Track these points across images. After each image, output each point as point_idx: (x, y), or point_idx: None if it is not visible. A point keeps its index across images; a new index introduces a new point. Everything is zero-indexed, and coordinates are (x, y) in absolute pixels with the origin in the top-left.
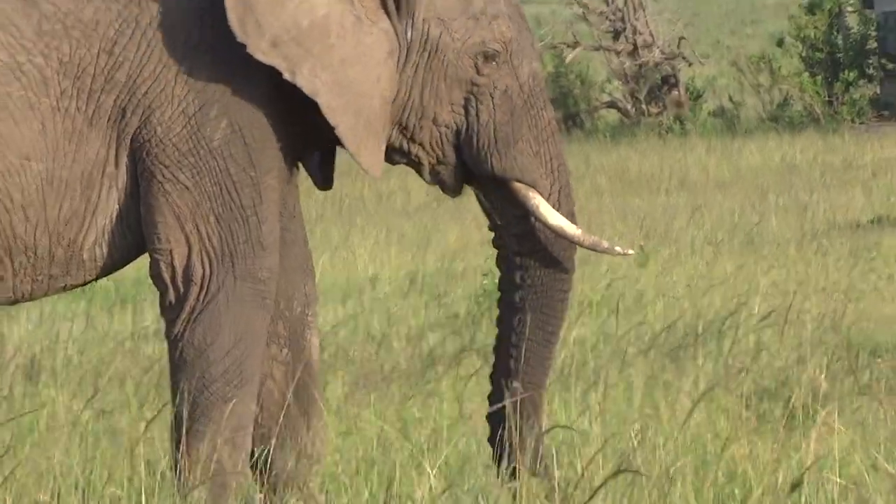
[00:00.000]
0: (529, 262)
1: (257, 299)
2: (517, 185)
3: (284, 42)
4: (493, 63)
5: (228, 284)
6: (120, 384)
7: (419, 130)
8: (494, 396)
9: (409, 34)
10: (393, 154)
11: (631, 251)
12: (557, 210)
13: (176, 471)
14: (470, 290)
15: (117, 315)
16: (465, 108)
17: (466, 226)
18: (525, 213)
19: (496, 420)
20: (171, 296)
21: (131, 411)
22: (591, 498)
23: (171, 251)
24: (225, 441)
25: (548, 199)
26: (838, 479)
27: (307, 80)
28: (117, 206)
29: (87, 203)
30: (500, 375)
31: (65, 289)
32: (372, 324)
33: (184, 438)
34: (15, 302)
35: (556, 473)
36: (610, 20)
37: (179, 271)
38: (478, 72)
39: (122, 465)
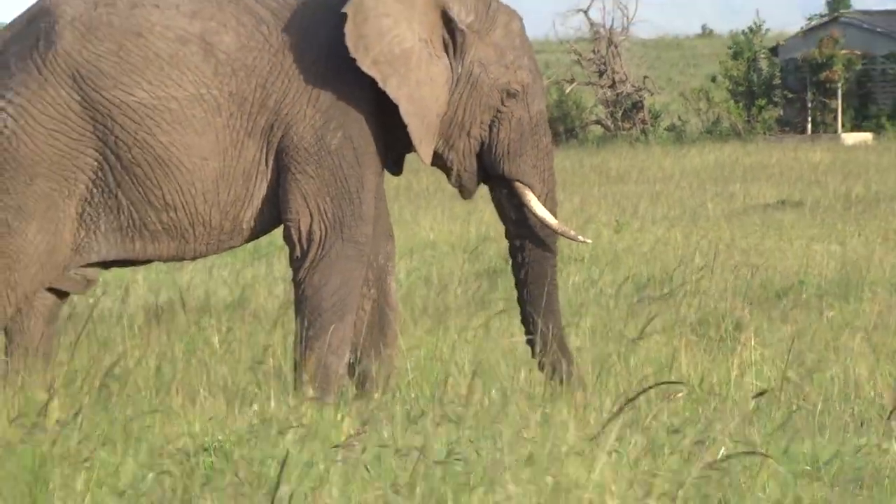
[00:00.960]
0: (525, 244)
1: (357, 255)
2: (518, 184)
3: (381, 62)
4: (514, 99)
5: (338, 245)
6: (255, 314)
7: (457, 140)
8: (533, 350)
9: (459, 70)
10: (435, 158)
11: (589, 240)
12: (544, 206)
13: (295, 373)
14: (500, 250)
15: (255, 265)
16: (490, 127)
17: None
18: (521, 205)
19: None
20: (298, 251)
21: (256, 331)
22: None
23: (298, 220)
24: (331, 352)
25: (539, 198)
26: (755, 382)
27: (393, 90)
28: (266, 192)
29: (246, 190)
30: (531, 332)
31: (227, 249)
32: (431, 274)
33: (303, 351)
34: (193, 259)
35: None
36: (596, 64)
37: (304, 234)
38: (502, 103)
39: (257, 370)
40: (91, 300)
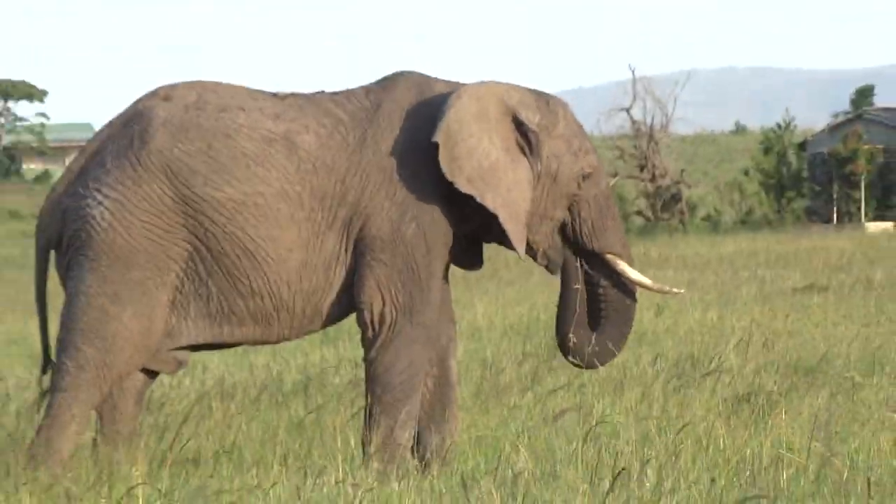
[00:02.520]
0: (610, 299)
1: (424, 338)
2: (609, 256)
3: (474, 178)
4: (587, 180)
5: (406, 327)
6: (324, 390)
7: (540, 226)
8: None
9: (538, 168)
10: None
11: (682, 290)
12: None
13: (364, 446)
14: (550, 333)
15: (325, 349)
16: (570, 209)
17: (548, 293)
18: (612, 272)
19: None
20: (370, 333)
21: (325, 409)
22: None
23: (371, 304)
24: (398, 426)
25: (625, 261)
26: (786, 453)
27: (490, 202)
28: (344, 280)
29: (326, 279)
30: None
31: (307, 334)
32: (486, 354)
33: (372, 425)
34: (276, 342)
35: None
36: (637, 159)
37: (376, 317)
38: (578, 186)
39: (329, 443)
40: (172, 380)
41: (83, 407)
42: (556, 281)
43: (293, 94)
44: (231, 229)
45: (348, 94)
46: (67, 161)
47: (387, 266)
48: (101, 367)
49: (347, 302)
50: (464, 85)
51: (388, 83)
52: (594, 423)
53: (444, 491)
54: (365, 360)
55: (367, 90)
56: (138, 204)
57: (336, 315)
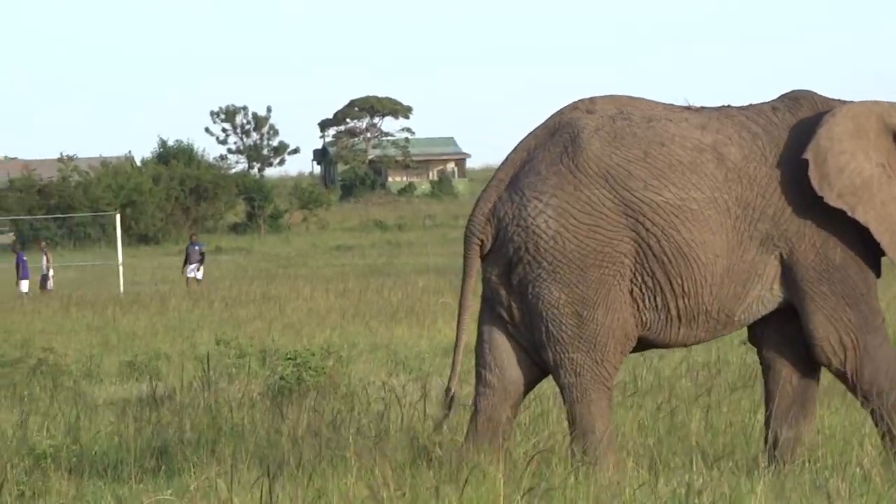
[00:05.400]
0: None
1: (884, 338)
2: None
3: (845, 194)
4: None
5: (869, 339)
6: (675, 392)
7: None
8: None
9: None
10: None
11: None
12: None
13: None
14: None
15: (672, 354)
16: None
17: None
18: None
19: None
20: (837, 363)
21: (677, 410)
22: None
23: (828, 338)
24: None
25: None
26: None
27: (861, 216)
28: (757, 293)
29: (742, 287)
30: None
31: (714, 338)
32: None
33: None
34: (692, 344)
35: None
36: None
37: (837, 347)
38: None
39: (677, 443)
40: None
41: (597, 405)
42: None
43: (704, 108)
44: (669, 231)
45: (756, 109)
46: (431, 174)
47: (830, 297)
48: (594, 366)
49: (755, 313)
50: (844, 104)
51: (792, 103)
52: None
53: (793, 488)
54: (850, 388)
55: (773, 107)
56: (581, 208)
57: (740, 323)
